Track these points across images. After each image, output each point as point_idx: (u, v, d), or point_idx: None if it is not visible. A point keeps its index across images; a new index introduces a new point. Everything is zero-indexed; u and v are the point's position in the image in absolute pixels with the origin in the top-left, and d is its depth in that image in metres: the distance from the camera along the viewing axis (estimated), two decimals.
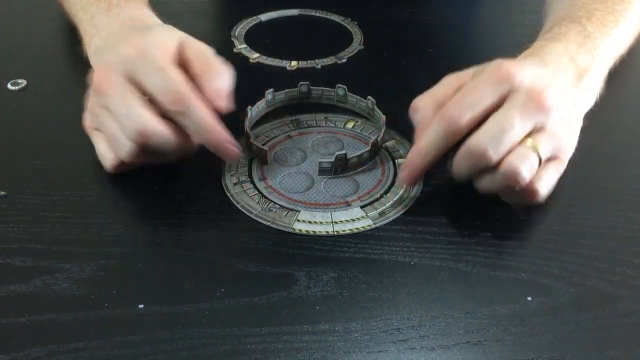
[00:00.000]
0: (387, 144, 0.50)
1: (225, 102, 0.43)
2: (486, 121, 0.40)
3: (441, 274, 0.40)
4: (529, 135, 0.41)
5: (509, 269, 0.40)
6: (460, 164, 0.42)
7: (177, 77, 0.42)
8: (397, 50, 0.64)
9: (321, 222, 0.43)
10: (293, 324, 0.36)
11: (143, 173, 0.46)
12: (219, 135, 0.43)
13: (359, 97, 0.52)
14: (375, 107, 0.51)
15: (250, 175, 0.47)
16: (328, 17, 0.70)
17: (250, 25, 0.68)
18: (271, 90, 0.53)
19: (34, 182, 0.46)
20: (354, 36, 0.66)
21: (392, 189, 0.46)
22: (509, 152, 0.40)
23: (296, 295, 0.38)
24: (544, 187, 0.42)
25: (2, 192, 0.45)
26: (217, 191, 0.45)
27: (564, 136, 0.42)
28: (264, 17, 0.70)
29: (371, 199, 0.45)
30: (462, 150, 0.41)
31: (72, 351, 0.34)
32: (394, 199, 0.45)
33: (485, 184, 0.42)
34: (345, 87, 0.53)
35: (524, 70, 0.41)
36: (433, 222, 0.43)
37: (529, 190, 0.41)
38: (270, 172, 0.47)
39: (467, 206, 0.44)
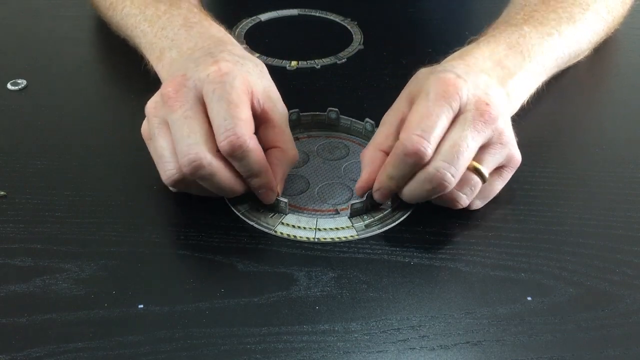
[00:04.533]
0: None
1: (280, 189, 0.43)
2: (442, 143, 0.39)
3: (441, 274, 0.40)
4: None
5: (508, 269, 0.40)
6: (417, 189, 0.41)
7: (246, 119, 0.39)
8: (397, 50, 0.64)
9: (304, 228, 0.43)
10: (293, 324, 0.36)
11: (143, 173, 0.46)
12: (267, 183, 0.42)
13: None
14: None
15: None
16: (328, 17, 0.70)
17: (250, 25, 0.68)
18: (296, 110, 0.50)
19: (34, 182, 0.46)
20: (354, 36, 0.66)
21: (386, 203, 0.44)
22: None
23: (296, 295, 0.38)
24: (480, 204, 0.44)
25: (2, 192, 0.45)
26: None
27: (509, 140, 0.41)
28: (264, 17, 0.70)
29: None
30: (422, 176, 0.40)
31: (72, 351, 0.34)
32: (384, 213, 0.44)
33: (415, 197, 0.41)
34: (373, 122, 0.49)
35: (467, 81, 0.40)
36: (433, 222, 0.43)
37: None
38: None
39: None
